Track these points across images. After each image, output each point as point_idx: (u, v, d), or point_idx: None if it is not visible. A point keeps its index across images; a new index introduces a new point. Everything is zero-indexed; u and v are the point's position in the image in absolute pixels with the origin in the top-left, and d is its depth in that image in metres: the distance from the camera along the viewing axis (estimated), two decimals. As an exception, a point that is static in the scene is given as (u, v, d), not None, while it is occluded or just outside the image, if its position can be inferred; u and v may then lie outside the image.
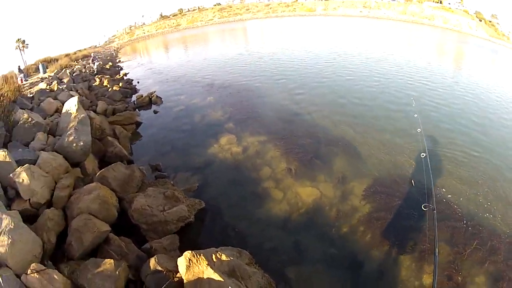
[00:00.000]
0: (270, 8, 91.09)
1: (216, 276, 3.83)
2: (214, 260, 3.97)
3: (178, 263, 4.15)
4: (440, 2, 69.41)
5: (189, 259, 4.05)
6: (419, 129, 5.55)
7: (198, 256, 4.01)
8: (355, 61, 17.89)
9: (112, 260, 4.49)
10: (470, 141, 8.38)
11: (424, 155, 5.01)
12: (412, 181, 5.08)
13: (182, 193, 5.78)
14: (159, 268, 4.37)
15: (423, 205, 4.01)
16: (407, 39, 32.94)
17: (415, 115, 5.94)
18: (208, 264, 3.91)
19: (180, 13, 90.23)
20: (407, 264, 4.91)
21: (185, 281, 4.05)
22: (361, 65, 17.00)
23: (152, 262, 4.44)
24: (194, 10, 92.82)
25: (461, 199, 6.44)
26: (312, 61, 15.57)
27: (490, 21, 63.78)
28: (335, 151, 7.30)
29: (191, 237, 4.99)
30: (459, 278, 5.13)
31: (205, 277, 3.88)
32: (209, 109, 8.93)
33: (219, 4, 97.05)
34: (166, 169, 6.56)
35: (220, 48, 20.04)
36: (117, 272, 4.33)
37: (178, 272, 4.20)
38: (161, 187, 5.89)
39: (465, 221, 5.99)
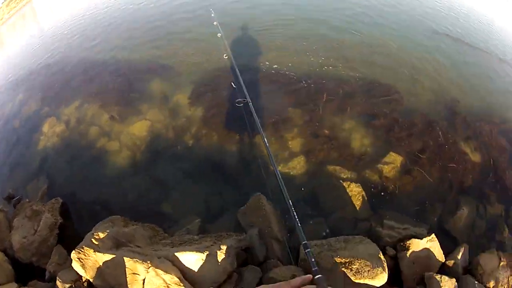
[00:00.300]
0: None
1: (107, 256, 3.45)
2: (96, 242, 3.74)
3: (75, 269, 4.17)
4: None
5: (78, 258, 3.79)
6: (219, 34, 5.38)
7: (82, 250, 3.63)
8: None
9: (35, 312, 4.34)
10: (280, 25, 7.83)
11: (227, 55, 4.95)
12: (231, 82, 5.28)
13: (38, 203, 5.44)
14: (67, 286, 4.37)
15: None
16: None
17: (215, 23, 5.93)
18: (94, 251, 3.84)
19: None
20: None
21: (91, 280, 3.90)
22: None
23: (58, 284, 4.33)
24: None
25: (290, 65, 6.22)
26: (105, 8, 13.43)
27: None
28: (147, 77, 6.81)
29: (71, 236, 4.57)
30: (326, 131, 5.11)
31: (100, 264, 3.39)
32: (23, 106, 7.83)
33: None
34: (17, 190, 5.88)
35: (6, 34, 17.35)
36: (45, 321, 4.18)
37: (82, 276, 4.26)
38: (22, 211, 5.61)
39: (303, 82, 5.79)
